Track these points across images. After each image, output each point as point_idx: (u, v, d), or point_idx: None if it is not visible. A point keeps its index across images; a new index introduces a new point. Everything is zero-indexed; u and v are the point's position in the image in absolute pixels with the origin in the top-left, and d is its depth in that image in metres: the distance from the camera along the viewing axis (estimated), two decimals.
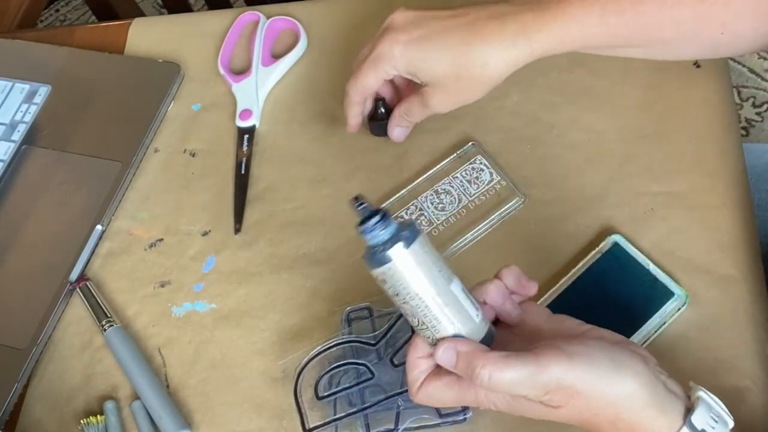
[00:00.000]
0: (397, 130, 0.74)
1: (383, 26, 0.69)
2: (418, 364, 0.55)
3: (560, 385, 0.50)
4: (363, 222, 0.52)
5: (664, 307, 0.64)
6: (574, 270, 0.67)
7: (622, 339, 0.54)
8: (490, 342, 0.54)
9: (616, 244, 0.67)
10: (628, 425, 0.50)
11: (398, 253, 0.51)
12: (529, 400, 0.51)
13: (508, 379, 0.50)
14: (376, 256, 0.52)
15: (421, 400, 0.55)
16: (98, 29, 0.94)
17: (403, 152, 0.77)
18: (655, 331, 0.63)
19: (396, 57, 0.67)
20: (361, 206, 0.52)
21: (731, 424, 0.51)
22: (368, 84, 0.70)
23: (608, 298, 0.65)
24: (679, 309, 0.64)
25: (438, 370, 0.55)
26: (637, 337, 0.63)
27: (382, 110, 0.75)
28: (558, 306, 0.65)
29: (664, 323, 0.63)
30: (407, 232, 0.52)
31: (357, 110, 0.73)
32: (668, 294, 0.64)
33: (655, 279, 0.65)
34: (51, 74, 0.88)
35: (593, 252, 0.67)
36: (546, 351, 0.50)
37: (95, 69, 0.88)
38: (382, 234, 0.51)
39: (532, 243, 0.70)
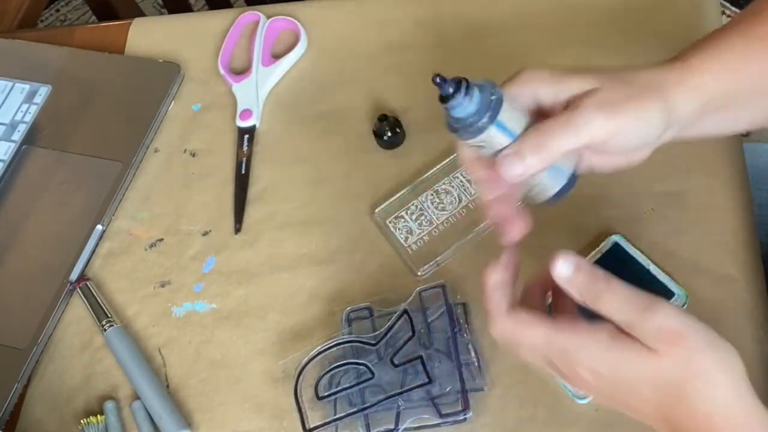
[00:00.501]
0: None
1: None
2: (497, 286, 0.53)
3: (666, 328, 0.47)
4: (448, 98, 0.50)
5: None
6: None
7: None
8: (574, 182, 0.54)
9: (616, 244, 0.67)
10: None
11: (492, 120, 0.50)
12: (633, 342, 0.48)
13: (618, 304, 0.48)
14: (471, 128, 0.50)
15: (501, 333, 0.53)
16: (98, 29, 0.94)
17: (404, 152, 0.77)
18: None
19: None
20: (442, 81, 0.50)
21: None
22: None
23: None
24: (683, 306, 0.64)
25: (521, 305, 0.52)
26: None
27: (387, 127, 0.75)
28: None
29: None
30: (494, 98, 0.50)
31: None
32: (668, 294, 0.64)
33: (655, 279, 0.65)
34: (51, 74, 0.88)
35: (593, 252, 0.67)
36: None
37: (95, 69, 0.88)
38: (471, 105, 0.50)
39: (532, 243, 0.70)
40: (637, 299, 0.48)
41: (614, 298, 0.49)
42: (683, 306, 0.64)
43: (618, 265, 0.66)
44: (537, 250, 0.70)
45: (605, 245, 0.67)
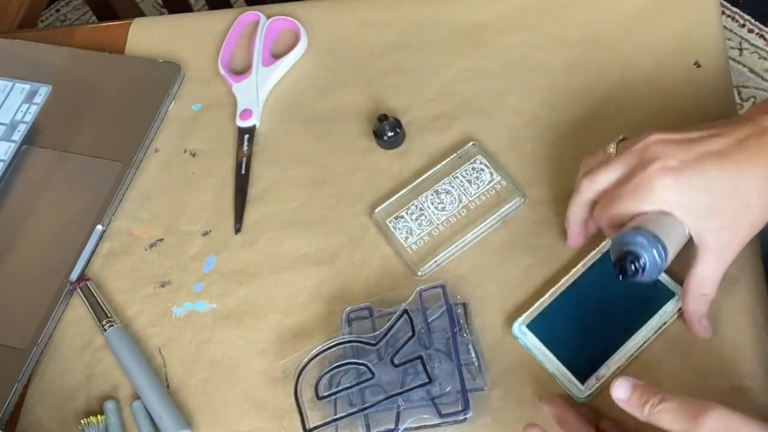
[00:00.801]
0: (704, 322, 0.63)
1: (637, 149, 0.60)
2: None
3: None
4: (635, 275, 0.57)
5: (664, 308, 0.63)
6: (573, 270, 0.66)
7: None
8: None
9: None
10: None
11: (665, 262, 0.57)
12: None
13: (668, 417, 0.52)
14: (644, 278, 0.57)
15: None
16: (98, 29, 0.94)
17: (404, 152, 0.77)
18: (655, 332, 0.63)
19: (669, 188, 0.57)
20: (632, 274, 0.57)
21: None
22: (623, 215, 0.60)
23: (608, 299, 0.65)
24: (680, 309, 0.64)
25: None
26: (637, 338, 0.63)
27: (388, 127, 0.75)
28: (557, 307, 0.65)
29: (665, 323, 0.63)
30: (657, 249, 0.56)
31: (581, 231, 0.67)
32: (669, 294, 0.64)
33: (657, 281, 0.65)
34: (51, 74, 0.88)
35: (593, 252, 0.67)
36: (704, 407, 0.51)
37: (95, 69, 0.88)
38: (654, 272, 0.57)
39: (532, 243, 0.70)
40: (689, 408, 0.52)
41: (669, 408, 0.52)
42: None
43: None
44: (537, 250, 0.70)
45: (605, 245, 0.67)
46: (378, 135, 0.76)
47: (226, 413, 0.68)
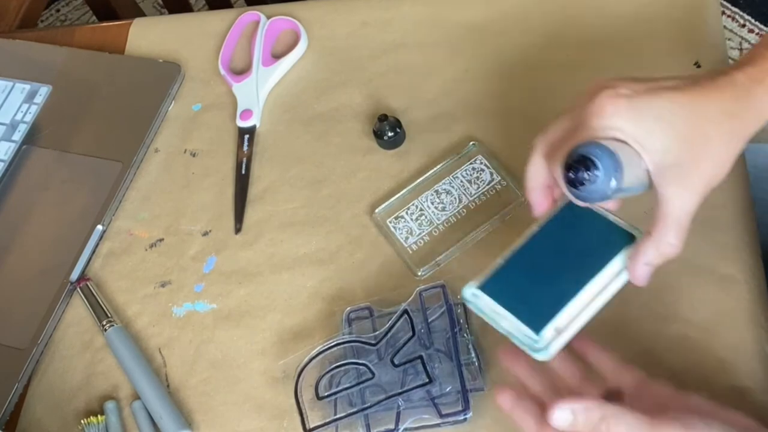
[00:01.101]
0: (645, 269, 0.57)
1: (587, 91, 0.56)
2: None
3: None
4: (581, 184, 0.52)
5: (624, 251, 0.58)
6: (528, 230, 0.61)
7: (750, 425, 0.53)
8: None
9: (569, 202, 0.61)
10: None
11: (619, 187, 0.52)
12: None
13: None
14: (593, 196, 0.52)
15: None
16: (99, 29, 0.94)
17: (404, 152, 0.77)
18: (617, 276, 0.58)
19: (620, 113, 0.53)
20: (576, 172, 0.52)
21: None
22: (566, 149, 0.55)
23: (564, 251, 0.60)
24: None
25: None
26: (596, 284, 0.57)
27: (388, 127, 0.75)
28: (512, 266, 0.60)
29: (626, 268, 0.58)
30: (614, 168, 0.51)
31: (543, 195, 0.60)
32: (628, 238, 0.59)
33: (613, 225, 0.60)
34: (51, 74, 0.88)
35: (549, 211, 0.62)
36: (664, 419, 0.51)
37: (96, 69, 0.88)
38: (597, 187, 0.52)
39: None
40: (641, 420, 0.51)
41: (620, 422, 0.51)
42: None
43: (574, 217, 0.61)
44: None
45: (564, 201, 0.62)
46: (378, 135, 0.76)
47: (226, 413, 0.69)
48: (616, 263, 0.58)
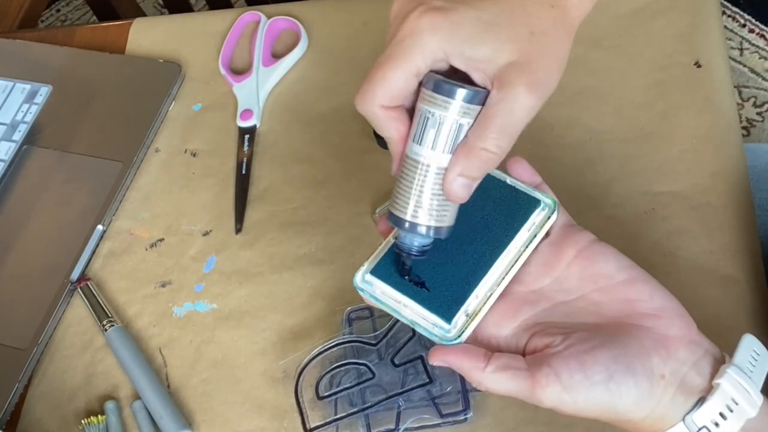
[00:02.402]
0: (460, 182, 0.49)
1: (396, 17, 0.49)
2: None
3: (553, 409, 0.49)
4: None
5: (531, 218, 0.54)
6: None
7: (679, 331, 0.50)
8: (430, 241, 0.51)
9: None
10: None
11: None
12: None
13: (503, 391, 0.50)
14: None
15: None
16: (99, 29, 0.94)
17: None
18: (525, 247, 0.53)
19: (436, 30, 0.46)
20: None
21: (751, 413, 0.48)
22: (394, 85, 0.47)
23: (467, 221, 0.54)
24: (549, 218, 0.54)
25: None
26: (506, 258, 0.53)
27: None
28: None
29: (534, 236, 0.54)
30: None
31: (394, 126, 0.49)
32: (533, 204, 0.54)
33: (516, 191, 0.55)
34: (52, 74, 0.88)
35: None
36: (542, 378, 0.48)
37: (96, 69, 0.88)
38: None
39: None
40: (515, 388, 0.49)
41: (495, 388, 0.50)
42: (553, 214, 0.54)
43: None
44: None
45: None
46: (378, 135, 0.76)
47: (226, 413, 0.69)
48: (524, 234, 0.54)
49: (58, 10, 2.08)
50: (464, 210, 0.52)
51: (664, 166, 0.71)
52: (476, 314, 0.51)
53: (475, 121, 0.48)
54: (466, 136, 0.48)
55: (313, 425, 0.64)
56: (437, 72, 0.48)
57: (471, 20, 0.46)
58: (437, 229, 0.50)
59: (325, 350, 0.66)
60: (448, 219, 0.51)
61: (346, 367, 0.65)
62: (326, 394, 0.65)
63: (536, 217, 0.54)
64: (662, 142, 0.72)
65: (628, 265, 0.53)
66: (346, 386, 0.65)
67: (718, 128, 0.72)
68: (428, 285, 0.52)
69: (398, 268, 0.53)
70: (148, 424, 0.68)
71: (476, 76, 0.47)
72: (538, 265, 0.54)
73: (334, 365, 0.65)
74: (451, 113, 0.47)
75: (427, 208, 0.49)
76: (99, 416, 0.69)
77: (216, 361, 0.71)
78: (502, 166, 0.52)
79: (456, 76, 0.48)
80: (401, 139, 0.50)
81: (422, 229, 0.50)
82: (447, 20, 0.46)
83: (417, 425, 0.63)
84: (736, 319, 0.64)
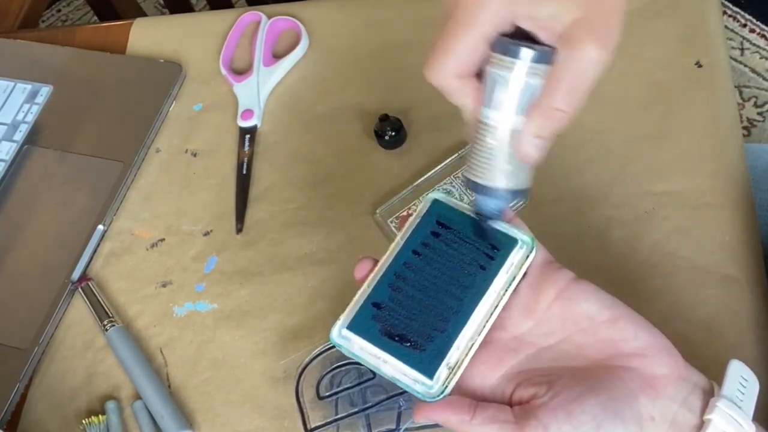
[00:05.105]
0: (534, 143, 0.50)
1: None
2: None
3: None
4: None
5: (509, 259, 0.52)
6: (392, 245, 0.54)
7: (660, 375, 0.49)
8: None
9: (436, 202, 0.54)
10: None
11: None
12: None
13: None
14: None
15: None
16: (100, 29, 0.94)
17: (405, 152, 0.77)
18: (505, 291, 0.51)
19: None
20: None
21: None
22: (465, 52, 0.47)
23: (443, 267, 0.52)
24: (527, 257, 0.52)
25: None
26: (485, 305, 0.51)
27: (389, 127, 0.75)
28: (385, 285, 0.53)
29: (513, 278, 0.51)
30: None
31: (467, 93, 0.50)
32: (510, 243, 0.52)
33: (492, 230, 0.53)
34: (53, 74, 0.88)
35: (412, 218, 0.54)
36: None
37: (97, 69, 0.88)
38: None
39: None
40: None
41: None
42: (531, 252, 0.52)
43: (445, 226, 0.54)
44: None
45: (423, 207, 0.54)
46: (379, 135, 0.76)
47: (227, 413, 0.69)
48: (503, 277, 0.51)
49: (59, 10, 2.08)
50: (439, 253, 0.52)
51: (664, 166, 0.71)
52: (459, 366, 0.50)
53: (544, 80, 0.48)
54: (537, 96, 0.48)
55: (313, 425, 0.64)
56: (504, 35, 0.48)
57: None
58: (514, 192, 0.51)
59: (326, 350, 0.66)
60: (523, 181, 0.51)
61: (347, 367, 0.65)
62: (327, 394, 0.65)
63: (514, 257, 0.52)
64: (663, 142, 0.72)
65: (610, 303, 0.51)
66: (346, 386, 0.65)
67: (719, 128, 0.72)
68: (407, 337, 0.50)
69: (476, 232, 0.52)
70: (149, 424, 0.68)
71: (542, 35, 0.47)
72: (518, 308, 0.52)
73: (335, 365, 0.66)
74: (520, 74, 0.47)
75: (502, 171, 0.50)
76: (100, 416, 0.69)
77: (217, 361, 0.71)
78: None
79: (522, 39, 0.47)
80: (475, 106, 0.49)
81: (499, 193, 0.50)
82: None
83: (418, 425, 0.63)
84: (736, 319, 0.64)
